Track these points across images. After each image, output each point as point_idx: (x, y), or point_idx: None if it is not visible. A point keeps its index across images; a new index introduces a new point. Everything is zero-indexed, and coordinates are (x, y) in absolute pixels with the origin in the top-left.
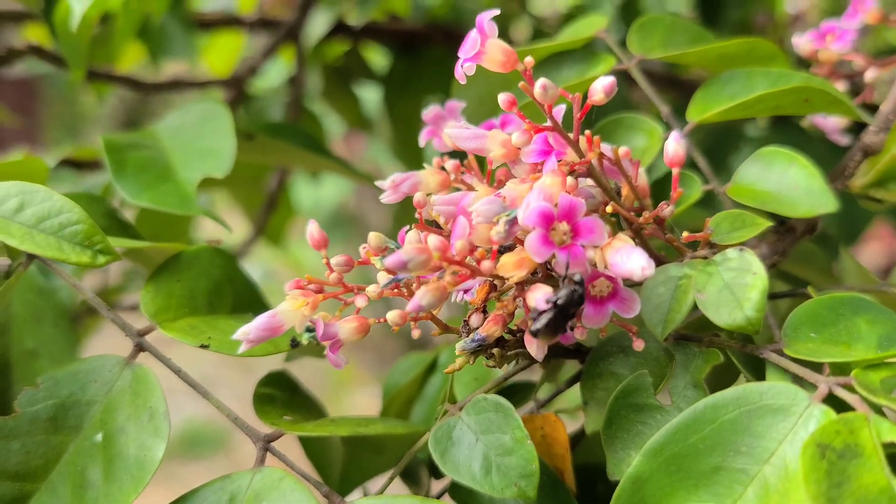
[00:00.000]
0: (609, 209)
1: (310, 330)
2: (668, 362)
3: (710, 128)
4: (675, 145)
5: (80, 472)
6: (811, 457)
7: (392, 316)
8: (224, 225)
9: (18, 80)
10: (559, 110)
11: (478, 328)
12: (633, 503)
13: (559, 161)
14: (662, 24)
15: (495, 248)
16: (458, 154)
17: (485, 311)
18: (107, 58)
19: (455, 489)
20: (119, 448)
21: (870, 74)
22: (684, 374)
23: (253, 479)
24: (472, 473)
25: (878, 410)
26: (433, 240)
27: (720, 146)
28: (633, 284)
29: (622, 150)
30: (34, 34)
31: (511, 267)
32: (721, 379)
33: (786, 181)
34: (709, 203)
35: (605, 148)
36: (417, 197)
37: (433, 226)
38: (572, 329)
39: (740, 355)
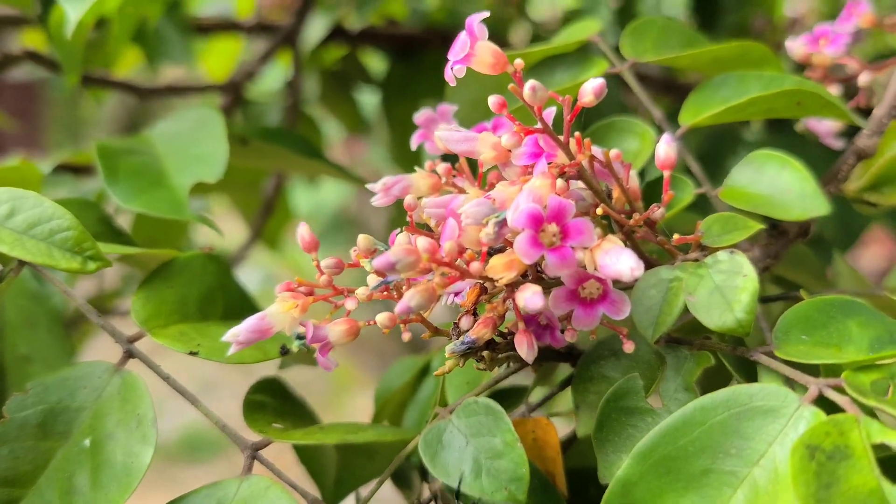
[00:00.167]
0: (599, 211)
1: (300, 337)
2: (660, 365)
3: (707, 133)
4: (666, 148)
5: (67, 478)
6: (800, 458)
7: (381, 318)
8: (217, 230)
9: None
10: (549, 112)
11: (468, 330)
12: None
13: (549, 163)
14: (655, 27)
15: (485, 250)
16: (452, 157)
17: (475, 314)
18: (103, 62)
19: (446, 493)
20: (107, 454)
21: (863, 78)
22: (675, 377)
23: (240, 488)
24: (461, 478)
25: (870, 412)
26: (422, 241)
27: (717, 151)
28: (625, 287)
29: (613, 152)
30: (32, 39)
31: (500, 269)
32: (713, 382)
33: (778, 184)
34: (703, 207)
35: (596, 150)
36: (408, 200)
37: (424, 229)
38: (562, 332)
39: (731, 358)
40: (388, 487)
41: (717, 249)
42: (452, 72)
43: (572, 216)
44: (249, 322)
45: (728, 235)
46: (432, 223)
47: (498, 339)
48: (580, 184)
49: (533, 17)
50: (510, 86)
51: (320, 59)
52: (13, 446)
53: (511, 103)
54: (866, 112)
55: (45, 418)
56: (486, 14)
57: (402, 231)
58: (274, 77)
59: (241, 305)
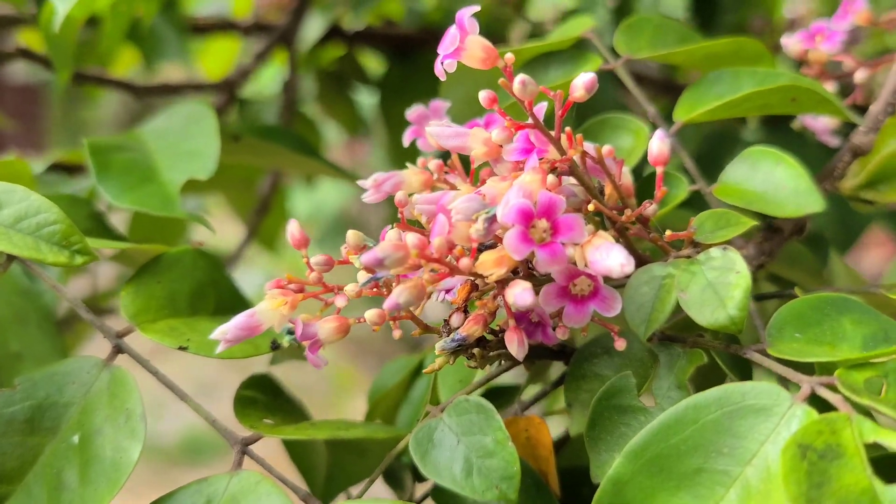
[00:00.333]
0: (591, 208)
1: (290, 332)
2: (653, 363)
3: (706, 132)
4: (658, 144)
5: (56, 474)
6: (791, 457)
7: (370, 315)
8: (210, 227)
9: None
10: (540, 108)
11: (458, 328)
12: None
13: (541, 159)
14: (650, 24)
15: (475, 246)
16: (447, 154)
17: (466, 311)
18: (99, 61)
19: (437, 492)
20: (95, 450)
21: (860, 75)
22: (668, 375)
23: (230, 483)
24: (453, 476)
25: (863, 411)
26: (411, 237)
27: (715, 151)
28: (618, 285)
29: (605, 148)
30: (28, 38)
31: (490, 265)
32: (708, 380)
33: (772, 181)
34: (698, 205)
35: (588, 146)
36: (399, 196)
37: (416, 226)
38: (554, 329)
39: (725, 356)
40: (380, 487)
41: (711, 246)
42: (443, 66)
43: (563, 212)
44: (238, 319)
45: (721, 232)
46: (423, 220)
47: (489, 337)
48: (572, 180)
49: (532, 17)
50: (500, 80)
51: (317, 59)
52: (0, 442)
53: (504, 99)
54: (863, 109)
55: (32, 414)
56: (477, 8)
57: (392, 227)
58: (271, 77)
59: (232, 301)
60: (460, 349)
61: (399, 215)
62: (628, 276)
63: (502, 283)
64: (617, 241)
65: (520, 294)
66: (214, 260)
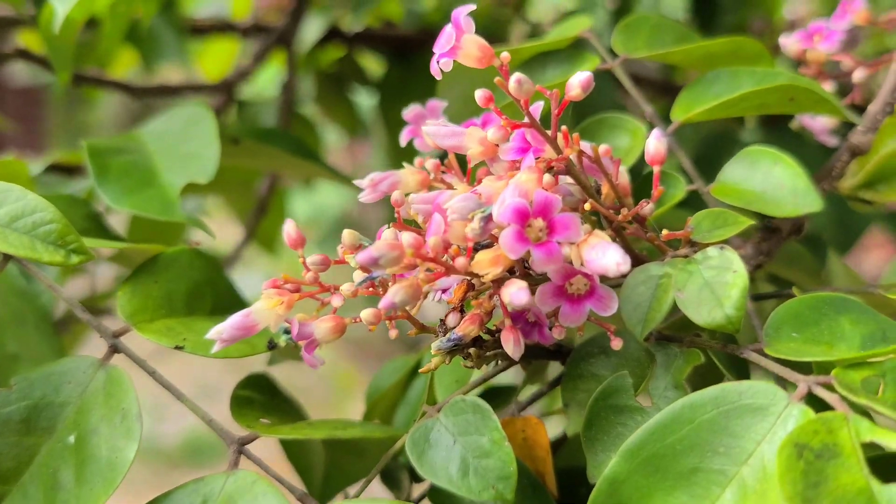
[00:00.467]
0: (587, 207)
1: (287, 331)
2: (650, 363)
3: (705, 133)
4: (655, 143)
5: (52, 473)
6: (788, 457)
7: (366, 314)
8: (208, 231)
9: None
10: (537, 107)
11: (454, 327)
12: None
13: (537, 158)
14: (648, 24)
15: (471, 245)
16: (444, 154)
17: (462, 311)
18: (98, 62)
19: (434, 492)
20: (91, 450)
21: (858, 75)
22: (665, 374)
23: (226, 482)
24: (450, 476)
25: (861, 410)
26: (406, 236)
27: (715, 151)
28: (615, 284)
29: (602, 147)
30: (28, 40)
31: (486, 264)
32: (706, 380)
33: (770, 180)
34: (697, 204)
35: (585, 145)
36: (395, 196)
37: (413, 225)
38: (550, 329)
39: (722, 356)
40: (378, 487)
41: (707, 245)
42: (439, 65)
43: (559, 211)
44: (234, 319)
45: (718, 231)
46: (420, 219)
47: (485, 337)
48: (569, 179)
49: (532, 18)
50: (496, 79)
51: (316, 60)
52: None
53: (501, 99)
54: (861, 109)
55: (29, 414)
56: (473, 7)
57: (389, 227)
58: (271, 79)
59: (229, 301)
60: (456, 349)
61: (396, 215)
62: (625, 276)
63: (498, 283)
64: (614, 240)
65: (515, 293)
66: (211, 260)
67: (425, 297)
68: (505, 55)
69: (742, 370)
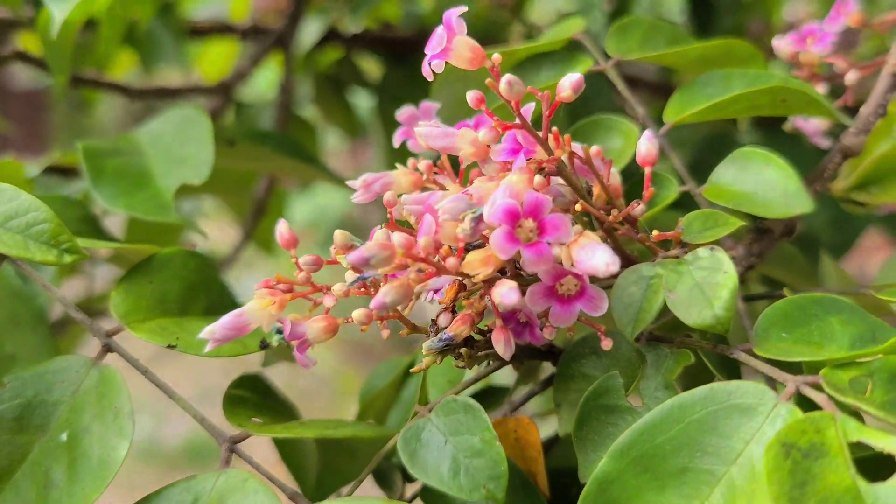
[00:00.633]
0: (578, 208)
1: (279, 331)
2: (641, 363)
3: (703, 134)
4: (647, 145)
5: (44, 471)
6: (775, 456)
7: (357, 315)
8: (202, 233)
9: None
10: (528, 108)
11: (446, 327)
12: None
13: (528, 159)
14: (642, 26)
15: (461, 245)
16: (439, 155)
17: (454, 311)
18: (96, 64)
19: (426, 492)
20: (84, 448)
21: (850, 77)
22: (656, 375)
23: (217, 481)
24: (441, 476)
25: (852, 411)
26: (397, 237)
27: (713, 152)
28: (606, 285)
29: (593, 149)
30: (26, 42)
31: (477, 264)
32: (697, 380)
33: (762, 182)
34: (692, 206)
35: (576, 146)
36: (387, 196)
37: (406, 226)
38: (542, 329)
39: (712, 356)
40: (371, 487)
41: (698, 246)
42: (430, 67)
43: (549, 212)
44: (226, 319)
45: (709, 232)
46: (412, 220)
47: (477, 337)
48: (561, 180)
49: (534, 19)
50: (487, 81)
51: (315, 62)
52: None
53: (494, 100)
54: (854, 111)
55: (21, 412)
56: (464, 8)
57: (381, 227)
58: (272, 81)
59: (224, 302)
60: (447, 349)
61: (388, 216)
62: (616, 276)
63: (489, 283)
64: (605, 241)
65: (505, 293)
66: (206, 261)
67: (417, 297)
68: (496, 57)
69: (733, 370)
